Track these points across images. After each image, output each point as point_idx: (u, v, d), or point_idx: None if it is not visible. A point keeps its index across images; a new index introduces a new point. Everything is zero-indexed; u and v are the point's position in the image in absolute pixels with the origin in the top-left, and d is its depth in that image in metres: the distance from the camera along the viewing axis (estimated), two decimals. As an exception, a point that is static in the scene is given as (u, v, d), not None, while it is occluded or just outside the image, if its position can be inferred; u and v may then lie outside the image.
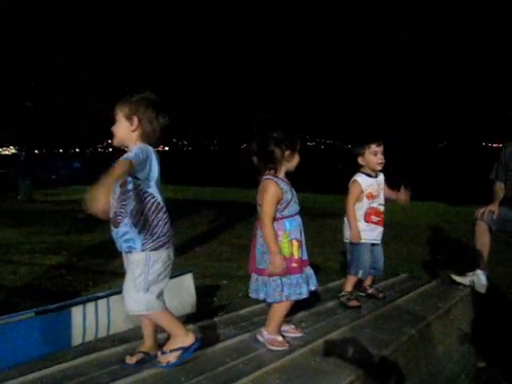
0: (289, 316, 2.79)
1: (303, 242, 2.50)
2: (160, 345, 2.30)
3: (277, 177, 2.44)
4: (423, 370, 2.80)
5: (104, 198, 1.80)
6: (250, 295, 2.53)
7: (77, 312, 2.95)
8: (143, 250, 2.10)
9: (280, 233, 2.41)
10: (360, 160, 3.25)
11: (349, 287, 3.24)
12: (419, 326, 2.86)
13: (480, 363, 3.50)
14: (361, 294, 3.34)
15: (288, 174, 2.52)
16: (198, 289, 3.56)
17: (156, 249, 2.12)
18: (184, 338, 2.17)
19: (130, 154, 2.03)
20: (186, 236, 7.77)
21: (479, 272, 3.95)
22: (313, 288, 2.52)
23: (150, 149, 2.14)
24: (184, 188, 16.59)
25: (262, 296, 2.45)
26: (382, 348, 2.47)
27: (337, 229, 5.06)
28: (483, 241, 4.01)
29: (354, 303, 3.18)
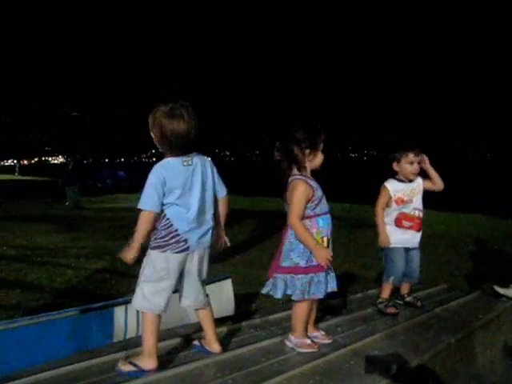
0: (320, 322, 2.80)
1: (330, 242, 2.49)
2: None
3: (305, 175, 2.44)
4: (461, 380, 2.74)
5: (133, 256, 2.18)
6: (273, 294, 2.45)
7: (119, 311, 3.08)
8: (150, 249, 2.25)
9: (313, 230, 2.40)
10: (394, 166, 3.23)
11: (385, 294, 3.21)
12: (458, 335, 2.80)
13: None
14: (398, 301, 3.30)
15: (317, 175, 2.51)
16: (237, 295, 3.61)
17: (153, 248, 2.22)
18: (147, 361, 2.15)
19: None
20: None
21: (524, 284, 3.82)
22: (330, 289, 2.47)
23: (164, 167, 2.20)
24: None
25: (289, 292, 2.41)
26: (418, 355, 2.45)
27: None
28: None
29: (391, 310, 3.14)
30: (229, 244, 2.53)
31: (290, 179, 2.44)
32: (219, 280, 3.86)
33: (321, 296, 2.42)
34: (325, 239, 2.44)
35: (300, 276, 2.38)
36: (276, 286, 2.43)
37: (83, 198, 15.60)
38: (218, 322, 2.81)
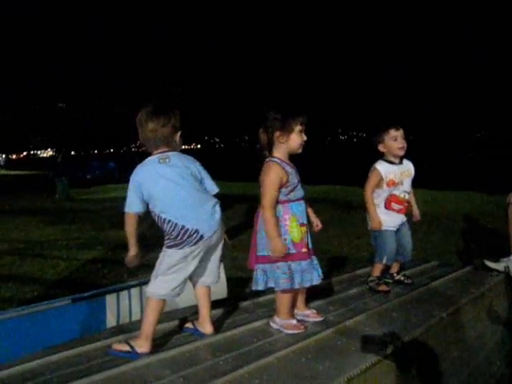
0: (311, 302, 2.80)
1: (308, 229, 2.44)
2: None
3: (280, 159, 2.39)
4: (454, 354, 2.77)
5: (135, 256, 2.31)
6: (255, 288, 2.42)
7: (111, 299, 3.09)
8: (167, 248, 2.26)
9: (287, 216, 2.35)
10: (381, 147, 3.19)
11: (376, 272, 3.22)
12: (450, 309, 2.82)
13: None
14: (388, 280, 3.31)
15: (305, 157, 2.51)
16: (229, 279, 3.61)
17: (170, 247, 2.23)
18: (143, 344, 2.16)
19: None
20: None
21: (515, 257, 3.85)
22: (316, 278, 2.43)
23: (141, 170, 2.27)
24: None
25: (270, 284, 2.37)
26: (410, 330, 2.46)
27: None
28: (516, 225, 3.91)
29: (383, 288, 3.16)
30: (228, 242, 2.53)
31: (265, 161, 2.41)
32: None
33: (307, 285, 2.39)
34: (303, 228, 2.38)
35: (279, 264, 2.33)
36: (257, 278, 2.39)
37: (73, 190, 15.53)
38: (211, 304, 2.82)
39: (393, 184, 3.15)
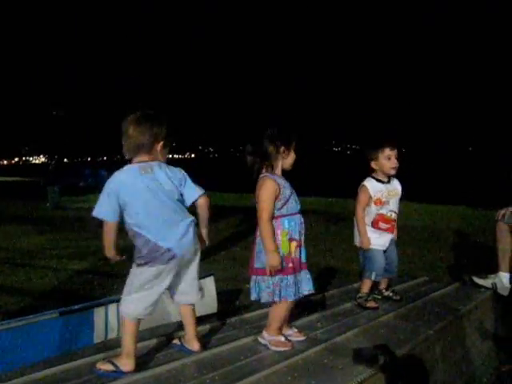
0: (300, 318, 2.81)
1: (302, 243, 2.46)
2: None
3: (274, 174, 2.43)
4: (441, 371, 2.78)
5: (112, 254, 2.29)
6: (250, 297, 2.48)
7: (99, 312, 3.06)
8: (137, 265, 2.25)
9: (278, 231, 2.37)
10: (373, 164, 3.20)
11: (365, 289, 3.24)
12: (436, 326, 2.84)
13: (503, 367, 3.44)
14: (376, 296, 3.32)
15: (298, 170, 2.52)
16: (220, 292, 3.60)
17: (141, 265, 2.22)
18: (126, 362, 2.15)
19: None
20: (211, 241, 7.84)
21: (502, 274, 3.87)
22: (306, 292, 2.45)
23: (119, 177, 2.24)
24: (210, 194, 16.67)
25: (254, 296, 2.42)
26: (397, 348, 2.47)
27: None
28: (504, 243, 3.94)
29: (371, 304, 3.18)
30: (207, 243, 2.50)
31: (260, 177, 2.44)
32: (202, 277, 3.83)
33: (290, 299, 2.38)
34: (293, 244, 2.39)
35: (266, 277, 2.36)
36: (251, 288, 2.44)
37: (65, 198, 15.40)
38: (200, 319, 2.81)
39: (380, 203, 3.17)
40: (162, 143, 2.31)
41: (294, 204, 2.44)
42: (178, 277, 2.32)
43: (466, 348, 3.13)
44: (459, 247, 7.22)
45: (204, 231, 2.44)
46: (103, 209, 2.21)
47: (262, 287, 2.38)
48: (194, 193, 2.35)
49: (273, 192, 2.36)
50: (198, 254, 2.38)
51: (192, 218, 2.34)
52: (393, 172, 3.19)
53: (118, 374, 2.11)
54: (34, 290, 5.07)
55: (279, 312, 2.43)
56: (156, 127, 2.27)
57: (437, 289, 3.71)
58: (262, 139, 2.43)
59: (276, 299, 2.37)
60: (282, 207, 2.39)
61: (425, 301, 3.37)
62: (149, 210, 2.20)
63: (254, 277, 2.44)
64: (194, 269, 2.37)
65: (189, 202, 2.34)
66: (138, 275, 2.21)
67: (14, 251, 7.29)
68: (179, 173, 2.34)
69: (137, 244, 2.23)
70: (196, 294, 2.40)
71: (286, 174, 2.54)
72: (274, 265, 2.31)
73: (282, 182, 2.42)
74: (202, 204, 2.38)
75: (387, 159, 3.15)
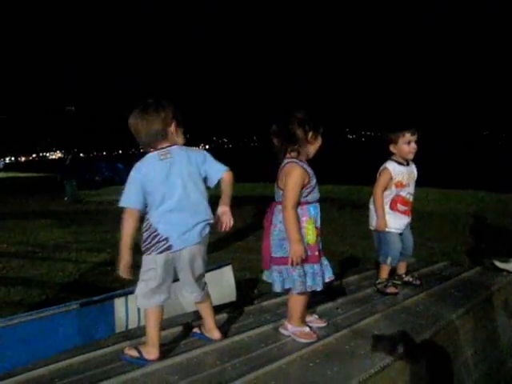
0: (320, 305, 2.78)
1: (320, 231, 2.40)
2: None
3: (301, 160, 2.35)
4: (466, 354, 2.75)
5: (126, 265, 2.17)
6: (273, 290, 2.38)
7: (119, 303, 3.09)
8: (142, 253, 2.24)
9: (304, 218, 2.30)
10: (392, 147, 3.17)
11: (384, 274, 3.20)
12: (459, 311, 2.80)
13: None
14: (396, 281, 3.28)
15: (312, 162, 2.43)
16: (238, 281, 3.60)
17: (143, 252, 2.21)
18: (150, 351, 2.15)
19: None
20: (228, 231, 7.86)
21: (525, 257, 3.81)
22: (327, 279, 2.38)
23: (141, 166, 2.21)
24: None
25: (287, 286, 2.33)
26: (419, 333, 2.44)
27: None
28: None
29: (391, 290, 3.14)
30: (231, 224, 2.36)
31: (285, 162, 2.34)
32: (220, 267, 3.87)
33: (319, 288, 2.33)
34: (317, 231, 2.34)
35: (298, 267, 2.27)
36: (273, 279, 2.36)
37: (82, 192, 15.58)
38: (219, 308, 2.82)
39: (401, 185, 3.15)
40: (173, 125, 2.26)
41: (317, 192, 2.38)
42: (180, 274, 2.27)
43: (490, 332, 3.08)
44: (479, 231, 7.14)
45: (226, 209, 2.33)
46: (131, 198, 2.17)
47: (294, 277, 2.29)
48: (218, 170, 2.30)
49: (301, 180, 2.27)
50: (203, 253, 2.28)
51: (207, 217, 2.26)
52: (411, 156, 3.17)
53: (142, 361, 2.12)
54: (55, 282, 5.17)
55: (300, 303, 2.37)
56: (162, 112, 2.22)
57: (458, 273, 3.65)
58: (289, 121, 2.34)
59: (307, 289, 2.30)
60: (308, 195, 2.32)
61: (446, 285, 3.32)
62: (162, 194, 2.16)
63: (276, 267, 2.34)
64: (195, 269, 2.26)
65: (214, 181, 2.29)
66: (142, 264, 2.21)
67: (34, 245, 7.41)
68: (201, 153, 2.30)
69: (142, 226, 2.22)
70: (199, 295, 2.33)
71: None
72: (299, 255, 2.23)
73: (310, 170, 2.34)
74: (226, 179, 2.31)
75: (407, 144, 3.13)
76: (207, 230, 2.28)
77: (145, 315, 2.23)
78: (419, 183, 3.33)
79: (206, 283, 2.40)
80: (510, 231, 4.18)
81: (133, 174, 2.20)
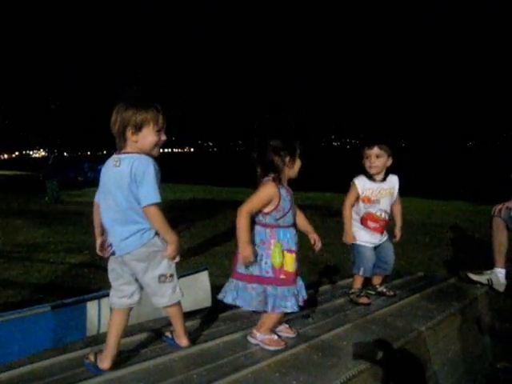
0: (288, 315, 2.76)
1: (295, 257, 2.37)
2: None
3: (280, 183, 2.36)
4: (434, 368, 2.77)
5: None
6: (221, 298, 2.42)
7: (92, 306, 3.06)
8: None
9: (272, 241, 2.32)
10: (363, 162, 3.20)
11: (357, 284, 3.22)
12: (430, 323, 2.82)
13: (499, 363, 3.43)
14: (370, 292, 3.31)
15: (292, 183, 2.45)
16: (215, 286, 3.60)
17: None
18: (103, 359, 2.12)
19: None
20: (207, 235, 7.86)
21: (498, 270, 3.87)
22: (302, 300, 2.38)
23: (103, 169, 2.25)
24: (208, 188, 16.76)
25: (238, 302, 2.36)
26: (388, 344, 2.45)
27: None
28: (500, 238, 3.93)
29: (363, 300, 3.16)
30: (170, 257, 2.22)
31: (264, 179, 2.37)
32: (196, 272, 3.87)
33: (286, 310, 2.32)
34: (286, 253, 2.32)
35: (254, 285, 2.31)
36: (226, 291, 2.40)
37: (63, 192, 15.43)
38: (193, 314, 2.81)
39: (368, 201, 3.15)
40: (130, 131, 2.13)
41: (290, 217, 2.39)
42: (141, 278, 2.21)
43: (460, 344, 3.11)
44: (456, 243, 7.23)
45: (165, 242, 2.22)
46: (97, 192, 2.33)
47: (247, 295, 2.32)
48: (145, 198, 2.09)
49: (268, 197, 2.30)
50: (155, 259, 2.19)
51: (144, 227, 2.15)
52: (372, 171, 3.15)
53: (94, 369, 2.09)
54: (32, 283, 5.11)
55: (274, 318, 2.38)
56: (124, 113, 2.12)
57: (432, 284, 3.68)
58: (265, 150, 2.35)
59: (268, 309, 2.31)
60: (279, 218, 2.33)
61: (419, 297, 3.34)
62: (106, 202, 2.18)
63: (234, 280, 2.37)
64: (150, 275, 2.19)
65: (141, 204, 2.12)
66: None
67: (12, 245, 7.33)
68: (147, 165, 2.10)
69: None
70: (162, 297, 2.24)
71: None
72: (245, 254, 2.26)
73: (284, 193, 2.35)
74: (148, 214, 2.11)
75: (365, 158, 3.15)
76: (149, 234, 2.16)
77: (109, 319, 2.21)
78: (400, 192, 3.32)
79: (178, 291, 2.31)
80: (487, 243, 4.25)
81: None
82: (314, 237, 2.57)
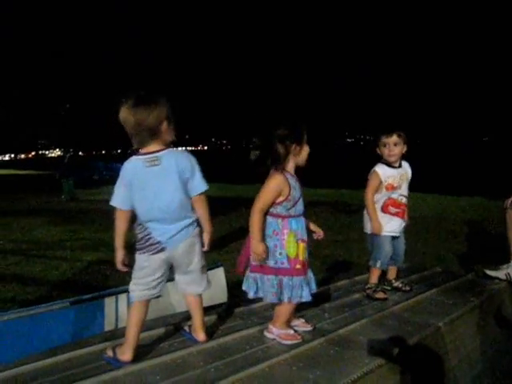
0: (308, 309, 2.78)
1: (306, 246, 2.40)
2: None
3: (287, 171, 2.35)
4: (452, 363, 2.74)
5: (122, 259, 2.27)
6: (248, 296, 2.40)
7: (110, 302, 3.10)
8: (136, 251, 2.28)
9: (285, 231, 2.32)
10: (378, 151, 3.22)
11: (374, 279, 3.22)
12: (447, 318, 2.80)
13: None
14: (386, 287, 3.30)
15: (300, 171, 2.43)
16: (230, 282, 3.61)
17: (137, 250, 2.26)
18: (124, 351, 2.15)
19: None
20: (222, 232, 7.89)
21: (515, 263, 3.81)
22: (313, 291, 2.40)
23: (128, 168, 2.21)
24: (224, 186, 16.82)
25: (260, 294, 2.37)
26: (405, 339, 2.44)
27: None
28: (515, 230, 3.88)
29: (380, 295, 3.15)
30: (206, 248, 2.37)
31: (271, 172, 2.36)
32: (211, 268, 3.88)
33: (294, 301, 2.34)
34: (301, 244, 2.34)
35: (270, 277, 2.33)
36: (248, 286, 2.40)
37: (79, 191, 15.60)
38: (209, 309, 2.82)
39: (391, 188, 3.17)
40: (165, 123, 2.19)
41: (301, 206, 2.38)
42: (178, 270, 2.33)
43: (479, 340, 3.07)
44: (473, 238, 7.15)
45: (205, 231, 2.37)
46: (116, 197, 2.22)
47: (265, 286, 2.34)
48: (199, 186, 2.27)
49: (278, 187, 2.29)
50: (197, 248, 2.31)
51: (194, 218, 2.29)
52: (392, 159, 3.17)
53: (114, 362, 2.12)
54: (50, 280, 5.18)
55: (287, 310, 2.40)
56: (154, 107, 2.14)
57: (448, 280, 3.65)
58: (269, 139, 2.34)
59: (284, 300, 2.33)
60: (290, 208, 2.33)
61: (436, 292, 3.32)
62: (151, 203, 2.18)
63: (252, 274, 2.39)
64: (194, 262, 2.32)
65: (194, 193, 2.27)
66: (136, 260, 2.25)
67: (30, 243, 7.43)
68: (188, 158, 2.25)
69: (136, 230, 2.26)
70: (200, 285, 2.37)
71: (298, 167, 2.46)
72: (257, 252, 2.28)
73: (293, 182, 2.34)
74: (200, 200, 2.30)
75: (383, 146, 3.17)
76: (194, 225, 2.30)
77: (128, 313, 2.25)
78: (415, 188, 3.34)
79: (209, 281, 2.43)
80: (504, 238, 4.21)
81: (122, 174, 2.22)
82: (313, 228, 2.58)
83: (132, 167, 2.20)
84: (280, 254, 2.32)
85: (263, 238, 2.31)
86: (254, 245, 2.29)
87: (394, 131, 3.15)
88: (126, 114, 2.14)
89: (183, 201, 2.23)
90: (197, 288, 2.37)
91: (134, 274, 2.26)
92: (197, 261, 2.33)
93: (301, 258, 2.34)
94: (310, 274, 2.43)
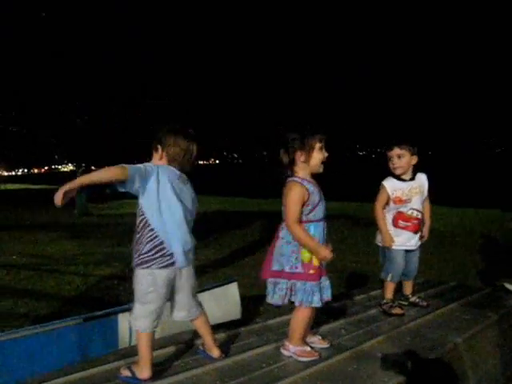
0: (324, 325, 2.75)
1: None
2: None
3: (301, 178, 2.35)
4: (471, 382, 2.68)
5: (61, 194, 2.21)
6: (267, 300, 2.40)
7: (123, 318, 3.08)
8: (135, 266, 2.20)
9: None
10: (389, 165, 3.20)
11: (389, 295, 3.17)
12: (465, 334, 2.74)
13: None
14: (403, 302, 3.25)
15: (322, 174, 2.43)
16: (244, 298, 3.58)
17: (138, 265, 2.17)
18: (142, 370, 2.14)
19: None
20: (236, 246, 7.87)
21: (535, 279, 3.75)
22: (326, 299, 2.37)
23: (163, 170, 2.22)
24: (235, 199, 16.82)
25: (269, 299, 2.38)
26: (423, 356, 2.40)
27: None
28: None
29: (397, 311, 3.10)
30: None
31: (287, 180, 2.37)
32: (225, 284, 3.85)
33: (313, 305, 2.32)
34: None
35: (280, 280, 2.33)
36: (267, 291, 2.39)
37: (92, 205, 15.69)
38: (223, 326, 2.80)
39: (399, 201, 3.12)
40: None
41: (321, 210, 2.37)
42: (176, 292, 2.29)
43: (498, 357, 3.01)
44: (491, 252, 7.05)
45: None
46: (133, 168, 2.14)
47: (274, 290, 2.34)
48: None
49: (300, 197, 2.29)
50: (194, 272, 2.36)
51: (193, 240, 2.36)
52: (398, 172, 3.14)
53: (135, 381, 2.11)
54: (62, 295, 5.18)
55: (302, 321, 2.37)
56: (193, 143, 2.34)
57: (466, 295, 3.59)
58: (277, 147, 2.39)
59: (295, 303, 2.33)
60: (309, 213, 2.32)
61: (453, 307, 3.26)
62: (173, 210, 2.19)
63: (271, 279, 2.38)
64: (192, 286, 2.33)
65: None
66: (138, 284, 2.18)
67: (43, 258, 7.46)
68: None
69: (142, 235, 2.17)
70: (194, 311, 2.35)
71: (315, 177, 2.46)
72: (325, 256, 2.29)
73: (311, 187, 2.34)
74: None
75: (389, 159, 3.16)
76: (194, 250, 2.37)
77: (137, 334, 2.20)
78: (430, 201, 3.28)
79: (200, 302, 2.42)
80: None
81: (151, 167, 2.20)
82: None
83: (171, 172, 2.25)
84: (296, 258, 2.32)
85: (319, 243, 2.32)
86: (315, 251, 2.28)
87: (395, 144, 3.13)
88: (177, 137, 2.30)
89: (192, 216, 2.35)
90: (188, 313, 2.35)
91: (138, 299, 2.18)
92: (195, 286, 2.37)
93: (315, 263, 2.32)
94: (326, 282, 2.40)
